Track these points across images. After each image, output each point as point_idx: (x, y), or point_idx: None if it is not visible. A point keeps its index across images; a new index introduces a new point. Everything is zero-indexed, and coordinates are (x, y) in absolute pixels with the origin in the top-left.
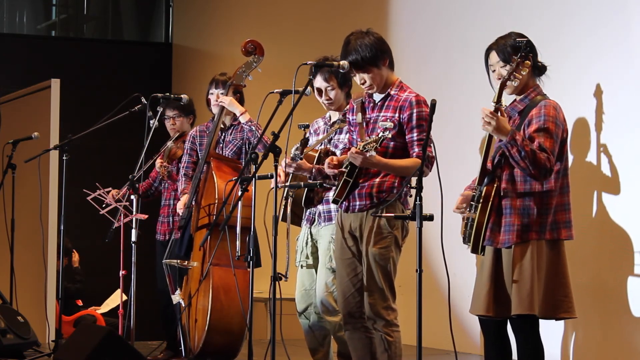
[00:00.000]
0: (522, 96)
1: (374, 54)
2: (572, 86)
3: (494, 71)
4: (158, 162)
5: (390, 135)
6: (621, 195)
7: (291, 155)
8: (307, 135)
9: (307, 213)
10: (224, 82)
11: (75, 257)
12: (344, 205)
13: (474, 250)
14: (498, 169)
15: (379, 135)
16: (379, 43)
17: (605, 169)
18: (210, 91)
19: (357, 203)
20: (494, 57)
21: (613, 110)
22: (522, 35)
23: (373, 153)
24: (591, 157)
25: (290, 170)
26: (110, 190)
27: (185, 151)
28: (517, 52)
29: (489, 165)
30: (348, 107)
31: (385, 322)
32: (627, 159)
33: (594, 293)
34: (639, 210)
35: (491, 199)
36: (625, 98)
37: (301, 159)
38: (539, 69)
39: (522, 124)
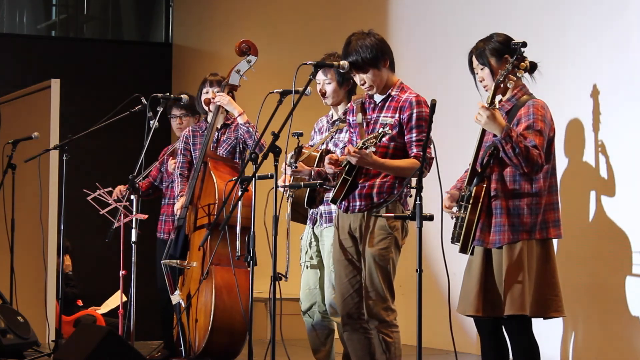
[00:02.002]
0: (508, 96)
1: (374, 55)
2: (571, 87)
3: (477, 74)
4: (171, 162)
5: (389, 131)
6: (620, 196)
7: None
8: (311, 134)
9: (310, 213)
10: (219, 82)
11: (67, 261)
12: (343, 206)
13: (463, 250)
14: (487, 169)
15: (379, 132)
16: (380, 44)
17: (604, 169)
18: (205, 90)
19: (357, 203)
20: (474, 60)
21: (611, 110)
22: (505, 36)
23: (373, 149)
24: (590, 157)
25: (289, 172)
26: (111, 190)
27: (179, 151)
28: (495, 55)
29: (477, 165)
30: (348, 107)
31: (385, 322)
32: (625, 159)
33: (593, 293)
34: (638, 210)
35: (481, 199)
36: (623, 98)
37: (296, 166)
38: (529, 69)
39: (511, 123)
